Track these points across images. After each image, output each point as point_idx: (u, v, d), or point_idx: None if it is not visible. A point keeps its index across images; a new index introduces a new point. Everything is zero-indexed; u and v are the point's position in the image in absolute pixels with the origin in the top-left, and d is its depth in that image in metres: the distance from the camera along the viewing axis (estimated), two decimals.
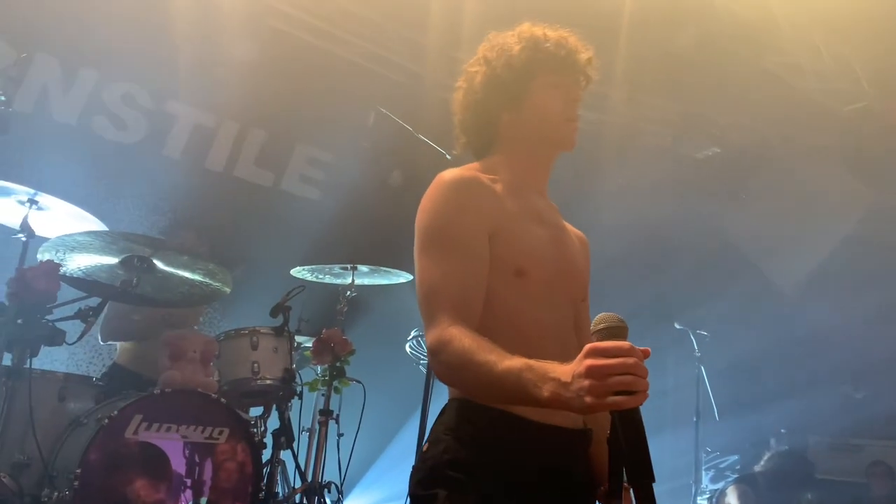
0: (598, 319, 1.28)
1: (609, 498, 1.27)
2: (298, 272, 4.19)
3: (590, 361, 1.22)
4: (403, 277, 4.29)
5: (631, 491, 1.24)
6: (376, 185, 6.17)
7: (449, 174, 1.62)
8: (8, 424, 2.72)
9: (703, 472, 5.77)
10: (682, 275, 6.19)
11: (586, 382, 1.22)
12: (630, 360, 1.21)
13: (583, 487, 1.60)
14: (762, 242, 6.38)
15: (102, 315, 3.92)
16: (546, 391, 1.29)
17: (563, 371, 1.28)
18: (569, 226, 1.84)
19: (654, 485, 1.22)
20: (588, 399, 1.21)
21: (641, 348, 1.24)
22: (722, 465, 5.91)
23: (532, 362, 1.35)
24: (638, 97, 5.97)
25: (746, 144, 6.37)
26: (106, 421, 2.79)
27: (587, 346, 1.25)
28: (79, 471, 2.71)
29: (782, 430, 5.43)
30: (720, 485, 5.87)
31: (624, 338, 1.25)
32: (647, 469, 1.21)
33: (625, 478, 1.23)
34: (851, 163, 6.11)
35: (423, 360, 4.49)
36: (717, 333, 5.72)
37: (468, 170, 1.67)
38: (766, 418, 5.86)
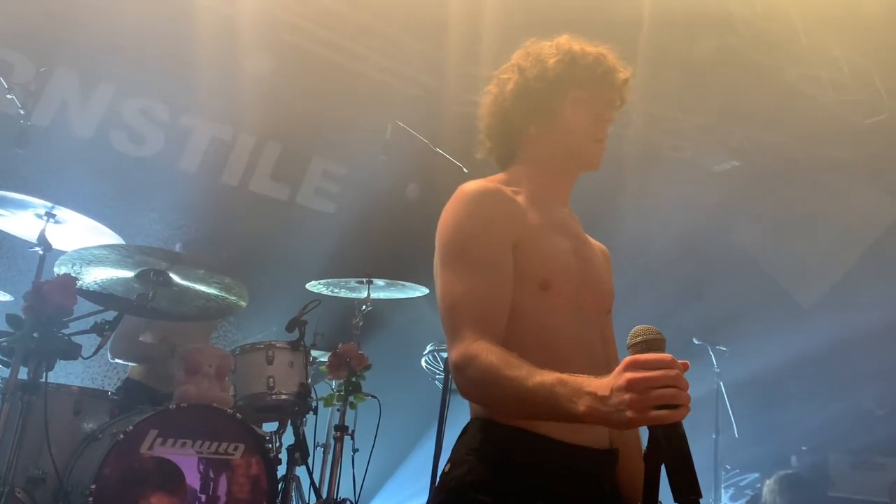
0: (636, 332, 1.24)
1: None
2: (314, 286, 4.17)
3: (630, 374, 1.18)
4: (419, 291, 4.25)
5: None
6: (392, 198, 6.16)
7: (471, 186, 1.58)
8: (23, 439, 2.70)
9: (723, 490, 5.68)
10: (701, 290, 6.12)
11: (627, 396, 1.17)
12: (672, 373, 1.17)
13: None
14: (782, 257, 6.31)
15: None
16: (582, 405, 1.24)
17: (600, 385, 1.23)
18: (591, 239, 1.81)
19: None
20: (629, 413, 1.17)
21: (681, 361, 1.20)
22: (742, 483, 5.82)
23: (565, 376, 1.30)
24: (656, 110, 5.94)
25: (766, 157, 6.32)
26: (121, 436, 2.77)
27: (627, 359, 1.21)
28: (94, 486, 2.69)
29: (804, 448, 5.33)
30: (739, 503, 5.78)
31: (662, 350, 1.21)
32: (694, 484, 1.16)
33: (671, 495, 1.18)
34: (872, 175, 6.04)
35: (438, 374, 4.44)
36: (736, 349, 5.64)
37: (490, 181, 1.63)
38: (787, 435, 5.76)
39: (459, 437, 1.57)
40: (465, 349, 1.43)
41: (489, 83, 1.77)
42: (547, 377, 1.32)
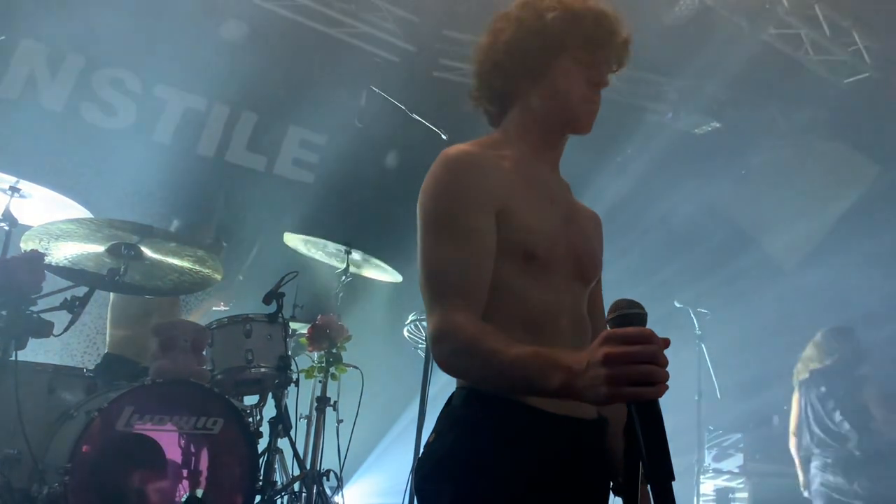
0: (615, 305, 1.19)
1: (624, 491, 1.19)
2: (291, 240, 4.10)
3: (607, 349, 1.15)
4: (395, 277, 4.23)
5: (648, 486, 1.16)
6: (371, 166, 6.09)
7: (453, 151, 1.52)
8: None
9: (706, 451, 5.74)
10: (682, 252, 6.13)
11: (603, 371, 1.14)
12: (651, 348, 1.13)
13: (597, 480, 1.52)
14: (762, 218, 6.31)
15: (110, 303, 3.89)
16: (556, 381, 1.22)
17: (576, 359, 1.20)
18: (581, 204, 1.74)
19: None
20: (604, 389, 1.14)
21: (662, 337, 1.15)
22: (725, 444, 5.88)
23: (541, 350, 1.27)
24: (633, 73, 5.87)
25: (746, 119, 6.29)
26: (96, 413, 2.74)
27: (604, 333, 1.17)
28: (70, 465, 2.65)
29: (785, 408, 5.37)
30: (723, 463, 5.85)
31: (643, 325, 1.16)
32: (667, 466, 1.12)
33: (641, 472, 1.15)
34: (852, 136, 6.03)
35: (421, 344, 4.44)
36: (717, 311, 5.66)
37: (474, 145, 1.57)
38: (769, 396, 5.81)
39: (444, 406, 1.54)
40: (442, 321, 1.39)
41: (474, 43, 1.67)
42: (523, 350, 1.29)
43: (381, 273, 4.33)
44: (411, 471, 3.73)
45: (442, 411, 1.53)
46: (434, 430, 1.52)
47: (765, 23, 5.34)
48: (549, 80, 1.58)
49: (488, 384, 1.42)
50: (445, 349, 1.39)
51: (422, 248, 1.48)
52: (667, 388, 1.14)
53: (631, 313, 1.17)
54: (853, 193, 6.06)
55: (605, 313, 1.23)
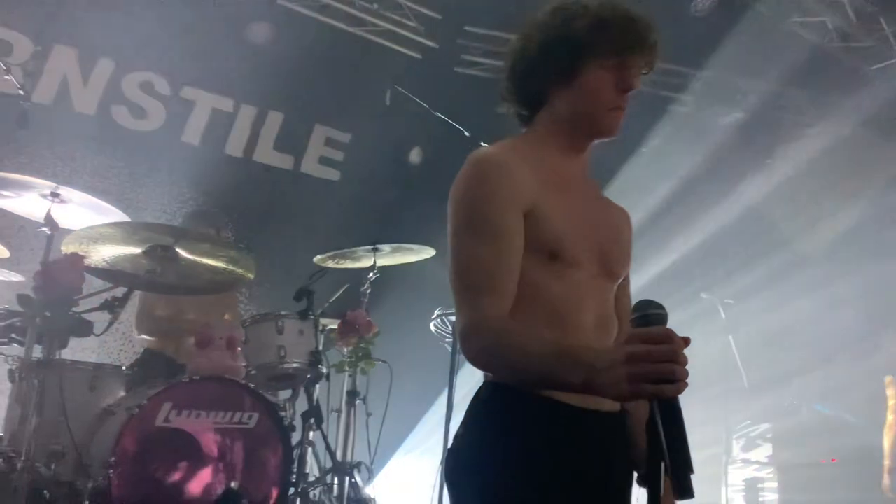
0: (637, 305, 1.24)
1: (647, 483, 1.24)
2: (321, 260, 4.18)
3: (629, 348, 1.20)
4: (426, 253, 4.27)
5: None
6: (395, 163, 6.15)
7: (482, 153, 1.57)
8: (41, 415, 2.76)
9: (734, 442, 5.74)
10: (708, 243, 6.10)
11: (625, 369, 1.19)
12: (671, 347, 1.18)
13: (621, 472, 1.57)
14: (787, 208, 6.27)
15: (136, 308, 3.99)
16: (580, 378, 1.27)
17: (599, 357, 1.25)
18: (611, 201, 1.78)
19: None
20: (626, 387, 1.19)
21: (682, 336, 1.20)
22: (753, 434, 5.86)
23: (567, 347, 1.33)
24: (658, 62, 5.85)
25: (770, 108, 6.24)
26: (136, 409, 2.83)
27: (627, 332, 1.23)
28: (112, 459, 2.75)
29: (817, 404, 5.36)
30: (751, 453, 5.83)
31: (664, 325, 1.22)
32: (686, 461, 1.17)
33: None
34: (880, 124, 5.96)
35: (447, 338, 4.48)
36: (745, 302, 5.64)
37: (503, 147, 1.62)
38: (797, 386, 5.79)
39: (472, 400, 1.59)
40: (472, 317, 1.45)
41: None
42: (549, 348, 1.34)
43: (410, 255, 4.35)
44: (441, 462, 3.80)
45: (470, 404, 1.58)
46: (462, 423, 1.57)
47: (788, 10, 5.31)
48: (578, 85, 1.61)
49: (516, 379, 1.47)
50: (475, 345, 1.44)
51: (452, 247, 1.53)
52: (686, 385, 1.19)
53: (652, 313, 1.22)
54: (880, 183, 5.99)
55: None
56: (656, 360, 1.18)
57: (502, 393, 1.52)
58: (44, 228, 3.06)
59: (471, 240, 1.50)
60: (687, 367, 1.20)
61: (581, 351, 1.31)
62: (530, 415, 1.48)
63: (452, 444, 1.57)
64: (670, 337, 1.19)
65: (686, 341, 1.20)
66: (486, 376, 1.58)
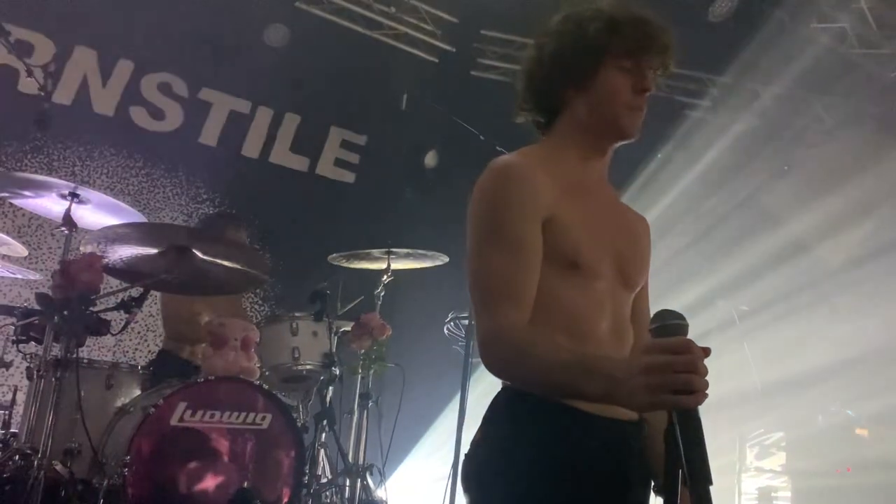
0: (657, 315, 1.23)
1: (665, 493, 1.24)
2: (335, 259, 4.20)
3: (649, 359, 1.19)
4: (440, 260, 4.27)
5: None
6: (411, 166, 6.17)
7: (503, 161, 1.56)
8: (58, 413, 2.79)
9: (748, 449, 5.70)
10: (725, 249, 6.07)
11: (644, 380, 1.18)
12: (691, 358, 1.17)
13: (638, 480, 1.55)
14: (805, 215, 6.22)
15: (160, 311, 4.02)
16: (599, 388, 1.27)
17: (619, 367, 1.25)
18: (630, 209, 1.77)
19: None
20: (646, 397, 1.18)
21: (702, 346, 1.19)
22: (766, 443, 5.82)
23: (586, 356, 1.32)
24: (675, 68, 5.83)
25: (789, 115, 6.20)
26: (152, 409, 2.85)
27: (646, 343, 1.22)
28: (128, 458, 2.77)
29: (832, 409, 5.31)
30: (764, 461, 5.78)
31: (684, 335, 1.20)
32: (705, 472, 1.16)
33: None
34: None
35: (461, 340, 4.49)
36: (760, 309, 5.61)
37: (523, 155, 1.61)
38: (813, 394, 5.74)
39: (490, 406, 1.58)
40: (491, 326, 1.44)
41: (524, 47, 1.70)
42: (569, 357, 1.34)
43: (424, 261, 4.36)
44: (453, 466, 3.80)
45: (487, 410, 1.58)
46: (480, 429, 1.57)
47: (807, 17, 5.27)
48: (595, 89, 1.60)
49: (535, 388, 1.47)
50: (495, 354, 1.44)
51: (471, 255, 1.53)
52: (706, 396, 1.18)
53: (672, 324, 1.21)
54: None
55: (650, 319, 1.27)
56: (676, 371, 1.17)
57: (520, 400, 1.52)
58: (62, 228, 3.09)
59: (490, 248, 1.50)
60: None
61: (601, 361, 1.30)
62: (549, 422, 1.48)
63: (469, 450, 1.57)
64: (690, 347, 1.18)
65: (706, 351, 1.20)
66: (503, 383, 1.58)
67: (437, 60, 6.12)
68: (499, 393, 1.58)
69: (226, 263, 3.33)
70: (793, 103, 6.12)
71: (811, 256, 6.21)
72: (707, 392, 1.18)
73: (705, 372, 1.18)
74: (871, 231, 6.01)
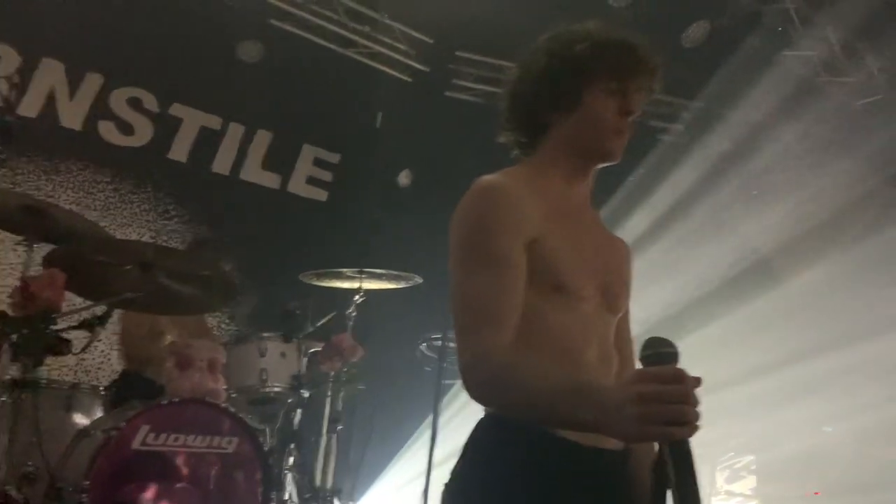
0: (647, 343, 1.20)
1: None
2: (306, 277, 4.15)
3: (640, 388, 1.15)
4: (413, 281, 4.23)
5: None
6: (384, 185, 6.13)
7: (487, 181, 1.53)
8: (15, 436, 2.68)
9: (717, 473, 5.71)
10: (692, 279, 6.11)
11: (635, 410, 1.14)
12: (683, 388, 1.15)
13: None
14: (776, 240, 6.30)
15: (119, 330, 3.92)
16: (587, 416, 1.23)
17: (608, 396, 1.21)
18: (611, 233, 1.76)
19: None
20: (636, 428, 1.14)
21: (693, 376, 1.16)
22: (737, 466, 5.84)
23: (575, 383, 1.29)
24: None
25: (758, 140, 6.29)
26: (113, 432, 2.75)
27: (636, 372, 1.19)
28: (87, 483, 2.67)
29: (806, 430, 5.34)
30: (735, 485, 5.80)
31: (675, 363, 1.17)
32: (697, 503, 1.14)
33: None
34: (866, 158, 6.01)
35: (433, 363, 4.44)
36: (728, 332, 5.63)
37: (507, 175, 1.58)
38: (783, 417, 5.77)
39: (471, 434, 1.54)
40: (474, 349, 1.40)
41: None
42: (557, 383, 1.30)
43: (397, 282, 4.31)
44: (423, 491, 3.74)
45: (468, 439, 1.54)
46: (461, 458, 1.53)
47: (779, 44, 5.37)
48: (580, 110, 1.59)
49: (519, 413, 1.42)
50: (477, 377, 1.40)
51: (454, 276, 1.49)
52: (698, 427, 1.15)
53: (663, 352, 1.18)
54: (869, 215, 6.03)
55: (633, 344, 1.24)
56: (667, 401, 1.14)
57: (502, 428, 1.48)
58: (23, 243, 3.00)
59: (473, 269, 1.46)
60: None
61: (589, 388, 1.27)
62: (532, 451, 1.44)
63: (449, 480, 1.53)
64: (682, 377, 1.15)
65: (697, 381, 1.16)
66: (485, 409, 1.54)
67: (411, 80, 6.12)
68: (480, 420, 1.54)
69: (193, 283, 3.26)
70: (762, 129, 6.21)
71: (778, 278, 6.28)
72: (699, 424, 1.15)
73: (697, 402, 1.15)
74: (842, 252, 6.08)
